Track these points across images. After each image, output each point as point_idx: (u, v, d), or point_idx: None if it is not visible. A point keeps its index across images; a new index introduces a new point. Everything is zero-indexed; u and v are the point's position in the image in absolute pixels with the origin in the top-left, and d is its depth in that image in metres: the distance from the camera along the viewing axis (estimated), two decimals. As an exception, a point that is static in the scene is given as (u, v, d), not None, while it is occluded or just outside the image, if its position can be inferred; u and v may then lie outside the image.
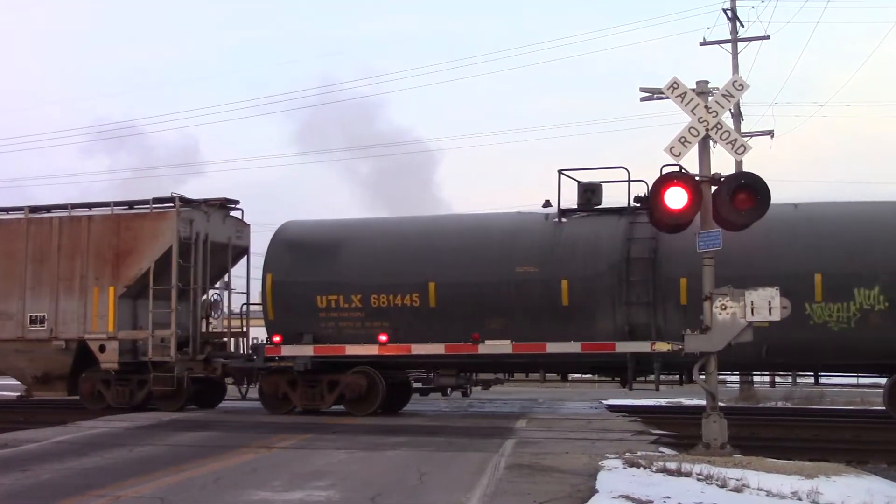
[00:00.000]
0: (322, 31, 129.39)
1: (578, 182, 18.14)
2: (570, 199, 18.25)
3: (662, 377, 17.06)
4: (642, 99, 13.55)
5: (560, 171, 18.19)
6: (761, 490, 9.69)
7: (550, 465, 11.43)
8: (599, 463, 11.42)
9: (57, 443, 14.35)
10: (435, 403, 22.36)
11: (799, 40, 75.71)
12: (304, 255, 19.58)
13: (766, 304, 12.43)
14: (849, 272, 16.40)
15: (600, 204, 18.18)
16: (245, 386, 21.11)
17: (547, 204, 18.97)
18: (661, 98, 13.18)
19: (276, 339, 18.86)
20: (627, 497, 9.24)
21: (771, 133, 34.56)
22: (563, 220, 18.39)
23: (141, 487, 10.11)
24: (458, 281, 18.26)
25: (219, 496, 9.52)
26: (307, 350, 18.59)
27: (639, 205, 17.42)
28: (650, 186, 12.64)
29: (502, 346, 17.04)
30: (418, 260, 18.74)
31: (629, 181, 17.75)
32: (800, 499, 9.31)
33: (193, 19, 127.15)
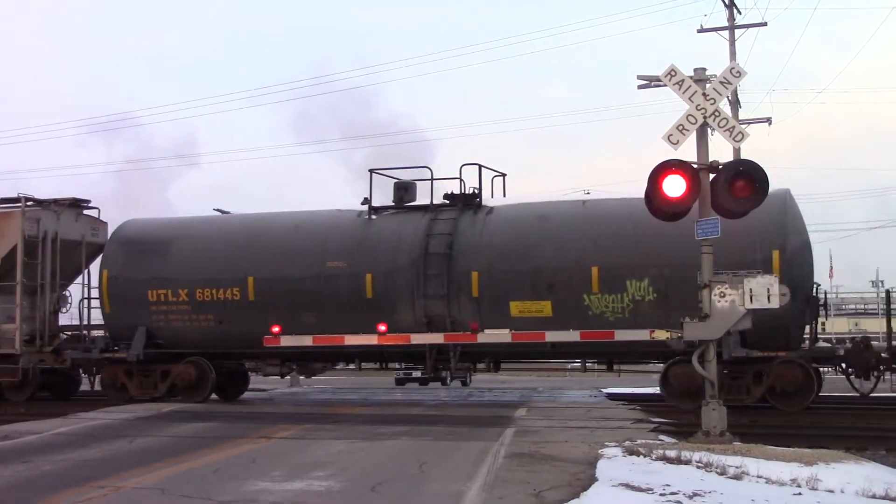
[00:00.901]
0: (316, 19, 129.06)
1: (395, 181, 19.72)
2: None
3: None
4: (640, 87, 13.53)
5: (371, 171, 19.72)
6: (761, 477, 9.71)
7: (550, 454, 11.45)
8: (599, 451, 11.45)
9: (57, 434, 14.37)
10: (434, 393, 22.40)
11: (796, 27, 75.71)
12: (137, 252, 20.85)
13: (764, 291, 12.42)
14: (622, 265, 17.37)
15: (413, 201, 19.49)
16: (92, 377, 22.09)
17: (365, 201, 19.80)
18: (659, 86, 13.15)
19: (276, 329, 18.83)
20: (627, 485, 9.26)
21: (769, 120, 34.61)
22: (373, 216, 19.53)
23: (141, 478, 10.13)
24: (275, 276, 19.36)
25: (219, 487, 9.53)
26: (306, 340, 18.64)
27: (448, 202, 18.92)
28: (649, 174, 12.59)
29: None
30: (239, 256, 19.89)
31: (432, 179, 19.21)
32: (799, 486, 9.32)
33: (191, 8, 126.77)
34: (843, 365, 18.00)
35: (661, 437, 13.33)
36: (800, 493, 9.04)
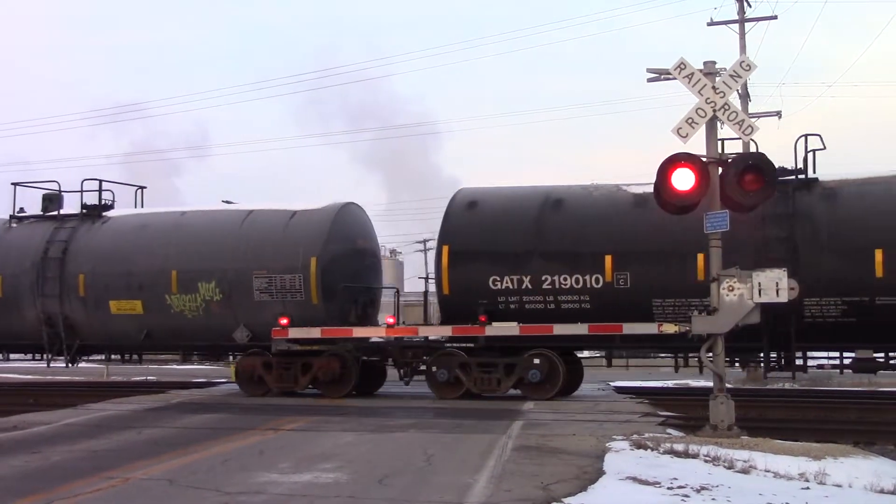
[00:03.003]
0: (325, 10, 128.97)
1: (44, 192, 22.62)
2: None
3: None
4: (649, 80, 13.47)
5: (14, 184, 22.68)
6: (768, 471, 9.70)
7: (558, 447, 11.46)
8: (607, 444, 11.45)
9: (66, 425, 14.43)
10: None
11: (807, 20, 75.33)
12: None
13: (773, 285, 12.40)
14: (196, 269, 20.07)
15: (60, 211, 22.27)
16: None
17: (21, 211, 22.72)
18: (668, 79, 13.10)
19: (284, 321, 18.95)
20: (635, 478, 9.26)
21: (779, 114, 34.43)
22: (13, 224, 22.45)
23: (150, 469, 10.16)
24: None
25: (227, 478, 9.56)
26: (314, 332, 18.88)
27: (85, 211, 21.91)
28: (658, 167, 12.56)
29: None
30: None
31: (60, 191, 22.43)
32: (807, 480, 9.31)
33: (200, 1, 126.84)
34: None
35: (669, 430, 13.32)
36: (808, 488, 9.02)
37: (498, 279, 18.28)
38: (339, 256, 19.79)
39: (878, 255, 16.49)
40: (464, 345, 18.64)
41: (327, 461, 10.57)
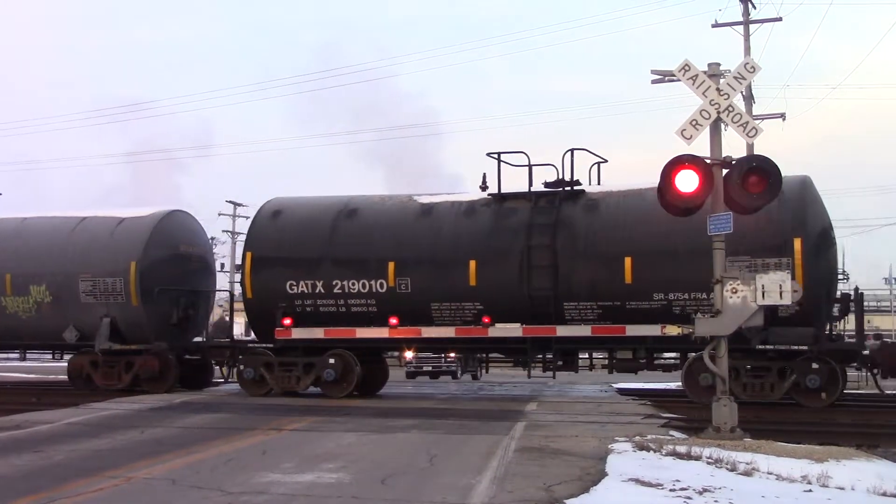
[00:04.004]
0: (332, 11, 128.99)
1: None
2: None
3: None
4: (653, 81, 13.52)
5: None
6: (771, 474, 9.69)
7: (560, 448, 11.45)
8: (609, 446, 11.44)
9: (69, 424, 14.44)
10: (445, 387, 22.40)
11: (811, 22, 75.26)
12: None
13: (776, 287, 12.37)
14: (28, 273, 21.32)
15: None
16: None
17: None
18: (673, 80, 13.11)
19: (287, 321, 18.98)
20: (637, 480, 9.26)
21: (783, 116, 34.39)
22: None
23: (152, 469, 10.17)
24: None
25: (230, 478, 9.56)
26: (318, 332, 18.94)
27: None
28: (661, 169, 12.56)
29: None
30: None
31: None
32: (810, 482, 9.30)
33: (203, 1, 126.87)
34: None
35: (672, 432, 13.31)
36: (810, 490, 9.01)
37: (294, 284, 19.30)
38: (160, 261, 21.05)
39: (628, 262, 17.43)
40: (268, 345, 19.79)
41: (330, 461, 10.57)
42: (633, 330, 17.11)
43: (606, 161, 19.85)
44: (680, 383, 23.43)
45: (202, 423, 14.61)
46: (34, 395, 20.80)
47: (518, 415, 15.50)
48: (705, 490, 8.83)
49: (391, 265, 18.69)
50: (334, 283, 19.03)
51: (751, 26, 32.83)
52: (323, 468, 10.10)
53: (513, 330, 17.75)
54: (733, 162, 12.69)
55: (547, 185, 18.81)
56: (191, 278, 21.73)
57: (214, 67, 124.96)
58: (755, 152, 17.57)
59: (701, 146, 12.88)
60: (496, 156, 18.83)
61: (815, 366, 16.87)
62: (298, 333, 18.88)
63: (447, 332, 18.50)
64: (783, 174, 16.18)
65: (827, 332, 17.66)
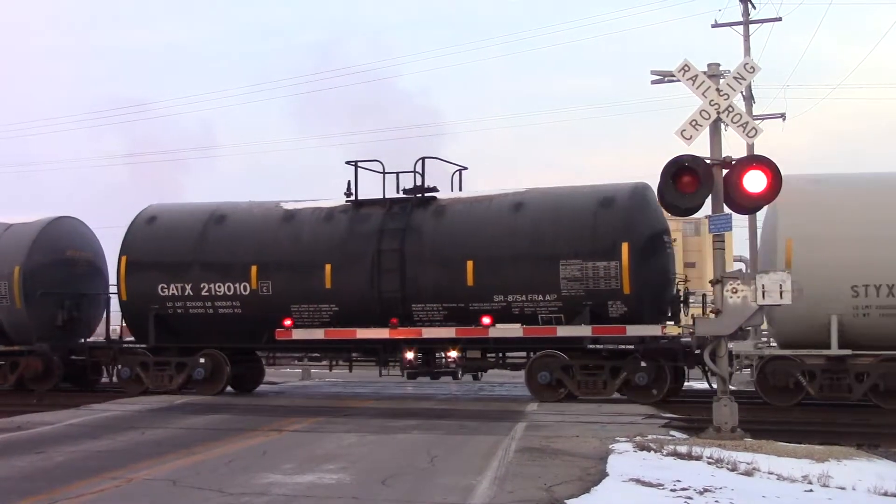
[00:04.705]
0: (331, 11, 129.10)
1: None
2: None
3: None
4: (653, 82, 13.54)
5: None
6: (772, 474, 9.70)
7: (561, 449, 11.45)
8: (610, 446, 11.45)
9: (70, 425, 14.45)
10: (446, 387, 22.39)
11: (811, 22, 75.27)
12: None
13: (777, 287, 12.36)
14: None
15: None
16: None
17: None
18: (672, 81, 13.13)
19: (287, 322, 19.00)
20: (638, 480, 9.27)
21: (783, 116, 34.39)
22: None
23: (153, 470, 10.18)
24: None
25: (230, 479, 9.57)
26: (318, 333, 18.94)
27: None
28: (661, 170, 12.57)
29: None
30: None
31: None
32: (810, 482, 9.30)
33: (202, 1, 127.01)
34: None
35: (672, 432, 13.31)
36: (811, 490, 9.02)
37: (166, 286, 20.12)
38: (44, 265, 21.57)
39: (469, 265, 18.16)
40: (142, 345, 20.59)
41: (330, 462, 10.58)
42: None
43: (466, 168, 20.86)
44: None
45: (203, 424, 14.62)
46: (35, 396, 20.81)
47: (518, 415, 15.51)
48: (706, 490, 8.84)
49: (254, 268, 19.53)
50: (202, 286, 19.88)
51: (750, 26, 32.79)
52: (323, 469, 10.11)
53: (513, 330, 17.80)
54: (733, 162, 12.69)
55: (405, 191, 19.62)
56: (77, 282, 22.31)
57: (214, 69, 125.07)
58: (755, 152, 17.56)
59: (701, 147, 12.89)
60: (353, 164, 19.69)
61: (643, 364, 17.55)
62: (299, 335, 18.92)
63: (447, 332, 18.58)
64: (621, 182, 18.13)
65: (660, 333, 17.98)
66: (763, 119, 32.67)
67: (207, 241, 20.31)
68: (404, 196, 19.62)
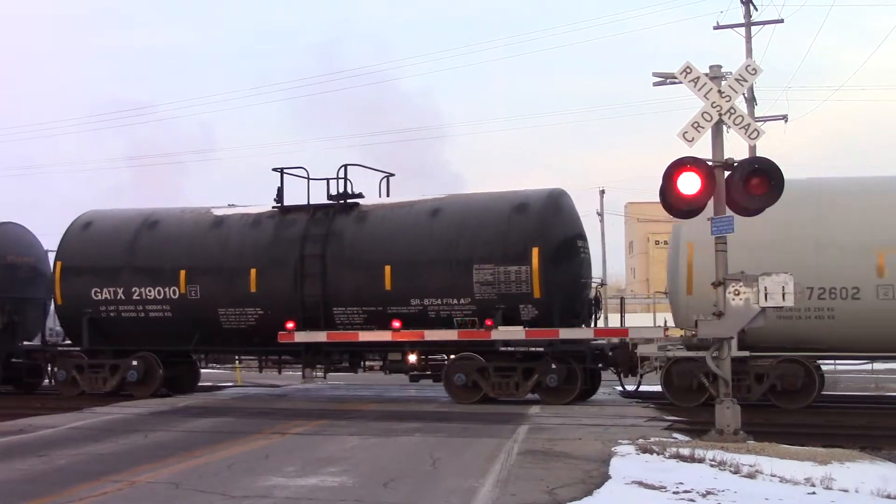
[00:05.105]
0: (332, 13, 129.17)
1: None
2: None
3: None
4: (655, 84, 13.46)
5: None
6: (774, 476, 9.68)
7: (563, 451, 11.45)
8: (612, 449, 11.44)
9: (72, 428, 14.46)
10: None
11: (813, 23, 75.24)
12: None
13: (779, 289, 12.36)
14: None
15: None
16: None
17: None
18: (674, 83, 13.09)
19: (290, 325, 19.00)
20: (640, 483, 9.26)
21: (785, 118, 34.39)
22: None
23: (156, 473, 10.18)
24: None
25: (233, 482, 9.57)
26: (321, 336, 18.89)
27: None
28: (663, 172, 12.55)
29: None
30: None
31: None
32: (813, 485, 9.29)
33: (203, 3, 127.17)
34: None
35: (675, 435, 13.30)
36: (814, 493, 9.00)
37: (99, 291, 20.64)
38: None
39: (387, 270, 18.65)
40: (76, 348, 21.14)
41: (333, 465, 10.58)
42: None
43: (393, 175, 21.38)
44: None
45: (205, 427, 14.62)
46: (37, 399, 20.83)
47: (521, 418, 15.50)
48: (709, 493, 8.83)
49: (182, 273, 20.03)
50: (133, 290, 20.37)
51: (752, 28, 32.82)
52: (326, 472, 10.11)
53: (515, 332, 17.80)
54: (735, 164, 12.68)
55: (330, 197, 19.97)
56: (19, 286, 22.62)
57: (215, 71, 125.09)
58: (757, 154, 17.55)
59: (703, 148, 12.88)
60: (280, 171, 20.23)
61: (553, 366, 17.85)
62: (301, 337, 18.91)
63: (450, 334, 18.64)
64: (538, 188, 18.63)
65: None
66: (765, 121, 32.70)
67: (139, 246, 20.87)
68: (328, 202, 20.05)
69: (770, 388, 17.14)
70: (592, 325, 19.61)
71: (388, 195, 20.99)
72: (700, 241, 16.93)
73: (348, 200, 19.96)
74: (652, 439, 12.20)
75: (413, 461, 10.90)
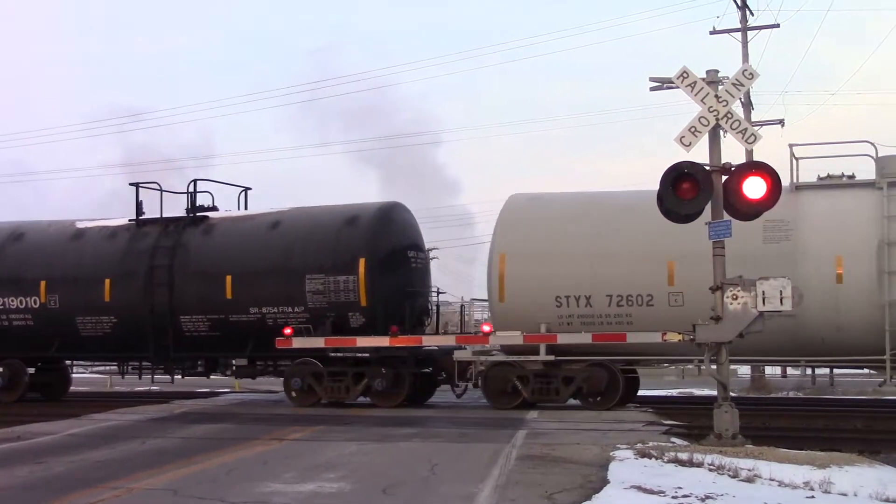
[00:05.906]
0: (327, 19, 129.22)
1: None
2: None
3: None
4: (652, 89, 13.47)
5: None
6: (773, 480, 9.68)
7: (562, 456, 11.44)
8: (611, 454, 11.43)
9: (70, 435, 14.44)
10: (447, 395, 22.36)
11: (809, 28, 75.36)
12: None
13: (777, 293, 12.36)
14: None
15: None
16: None
17: None
18: (671, 87, 13.10)
19: (288, 331, 19.04)
20: (639, 488, 9.25)
21: (781, 122, 34.40)
22: None
23: (154, 480, 10.16)
24: None
25: (231, 488, 9.56)
26: (318, 342, 18.93)
27: None
28: (661, 177, 12.57)
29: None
30: None
31: None
32: (812, 489, 9.29)
33: (201, 8, 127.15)
34: None
35: (673, 439, 13.30)
36: (812, 496, 9.01)
37: None
38: None
39: (228, 280, 19.70)
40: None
41: (331, 471, 10.56)
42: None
43: (251, 189, 22.59)
44: (677, 391, 23.64)
45: (203, 434, 14.60)
46: (35, 406, 20.80)
47: (519, 423, 15.49)
48: (707, 497, 8.83)
49: (43, 283, 21.08)
50: None
51: (749, 33, 32.81)
52: (324, 478, 10.10)
53: (514, 338, 17.87)
54: (732, 168, 12.70)
55: (187, 211, 21.08)
56: None
57: (212, 77, 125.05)
58: (754, 158, 17.54)
59: (700, 153, 12.90)
60: (136, 185, 21.35)
61: (382, 371, 18.68)
62: (299, 343, 18.94)
63: (448, 340, 18.73)
64: (371, 202, 19.91)
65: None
66: (762, 125, 32.64)
67: (4, 257, 21.90)
68: (179, 216, 21.07)
69: (577, 391, 17.90)
70: (425, 332, 20.51)
71: (246, 209, 21.95)
72: (511, 252, 18.44)
73: (198, 214, 21.05)
74: (650, 444, 12.19)
75: (411, 467, 10.88)
